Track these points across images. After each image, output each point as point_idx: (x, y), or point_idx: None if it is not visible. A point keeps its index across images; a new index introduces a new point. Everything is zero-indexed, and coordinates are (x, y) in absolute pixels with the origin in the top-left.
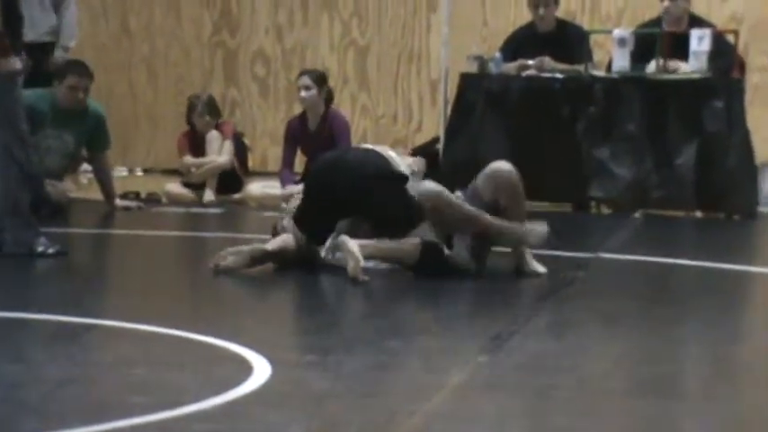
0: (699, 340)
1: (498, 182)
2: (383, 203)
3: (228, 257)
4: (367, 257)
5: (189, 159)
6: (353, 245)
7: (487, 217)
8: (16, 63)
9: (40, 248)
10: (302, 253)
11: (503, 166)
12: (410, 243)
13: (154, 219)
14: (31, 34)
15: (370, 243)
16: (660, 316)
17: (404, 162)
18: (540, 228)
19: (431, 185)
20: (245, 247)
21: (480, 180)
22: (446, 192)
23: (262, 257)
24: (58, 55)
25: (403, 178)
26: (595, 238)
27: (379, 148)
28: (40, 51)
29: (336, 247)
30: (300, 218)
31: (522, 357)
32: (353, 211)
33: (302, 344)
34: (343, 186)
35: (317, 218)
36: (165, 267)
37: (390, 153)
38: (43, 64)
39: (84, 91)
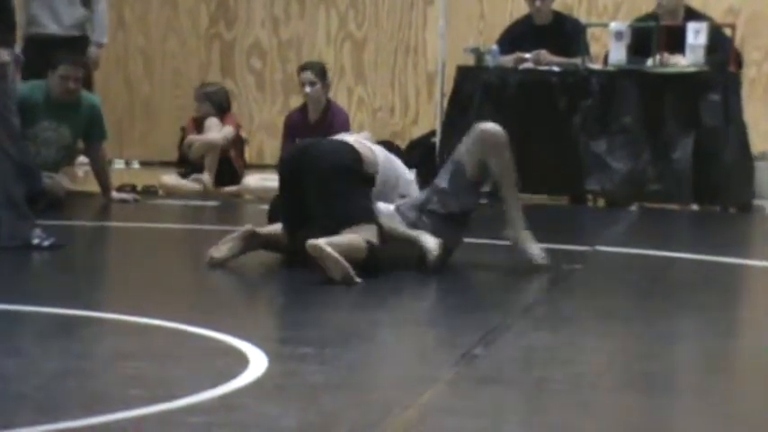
0: (695, 334)
1: (485, 141)
2: (341, 196)
3: (221, 247)
4: None
5: (192, 136)
6: (330, 249)
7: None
8: (4, 55)
9: (36, 241)
10: (293, 243)
11: (489, 125)
12: (358, 240)
13: (150, 211)
14: (56, 28)
15: (330, 240)
16: (656, 309)
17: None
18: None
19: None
20: (235, 234)
21: (466, 145)
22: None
23: (251, 237)
24: (92, 51)
25: (368, 180)
26: (592, 232)
27: (358, 145)
28: (70, 45)
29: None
30: (276, 205)
31: (518, 351)
32: (317, 198)
33: (298, 337)
34: (308, 172)
35: (288, 204)
36: (162, 260)
37: (368, 145)
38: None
39: (75, 81)
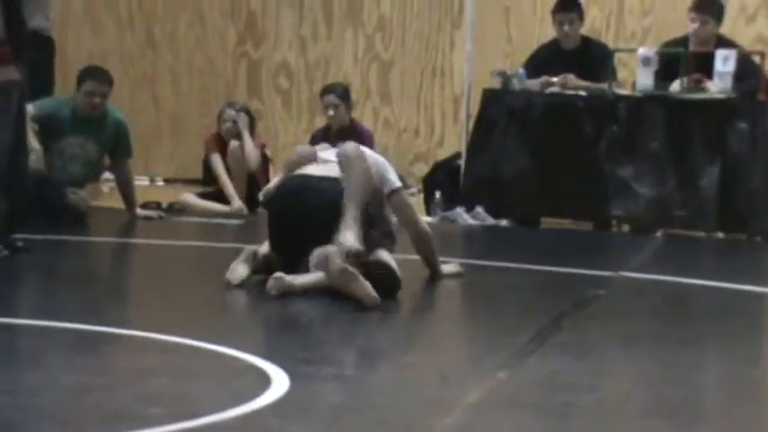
0: (718, 362)
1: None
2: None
3: (235, 272)
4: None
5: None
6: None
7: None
8: (13, 73)
9: None
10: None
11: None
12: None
13: (175, 228)
14: None
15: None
16: (680, 337)
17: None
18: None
19: None
20: (240, 257)
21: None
22: None
23: (254, 257)
24: None
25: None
26: (616, 257)
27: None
28: None
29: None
30: (272, 242)
31: (541, 375)
32: (312, 236)
33: (320, 357)
34: (300, 213)
35: (282, 243)
36: (186, 277)
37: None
38: None
39: (101, 97)
